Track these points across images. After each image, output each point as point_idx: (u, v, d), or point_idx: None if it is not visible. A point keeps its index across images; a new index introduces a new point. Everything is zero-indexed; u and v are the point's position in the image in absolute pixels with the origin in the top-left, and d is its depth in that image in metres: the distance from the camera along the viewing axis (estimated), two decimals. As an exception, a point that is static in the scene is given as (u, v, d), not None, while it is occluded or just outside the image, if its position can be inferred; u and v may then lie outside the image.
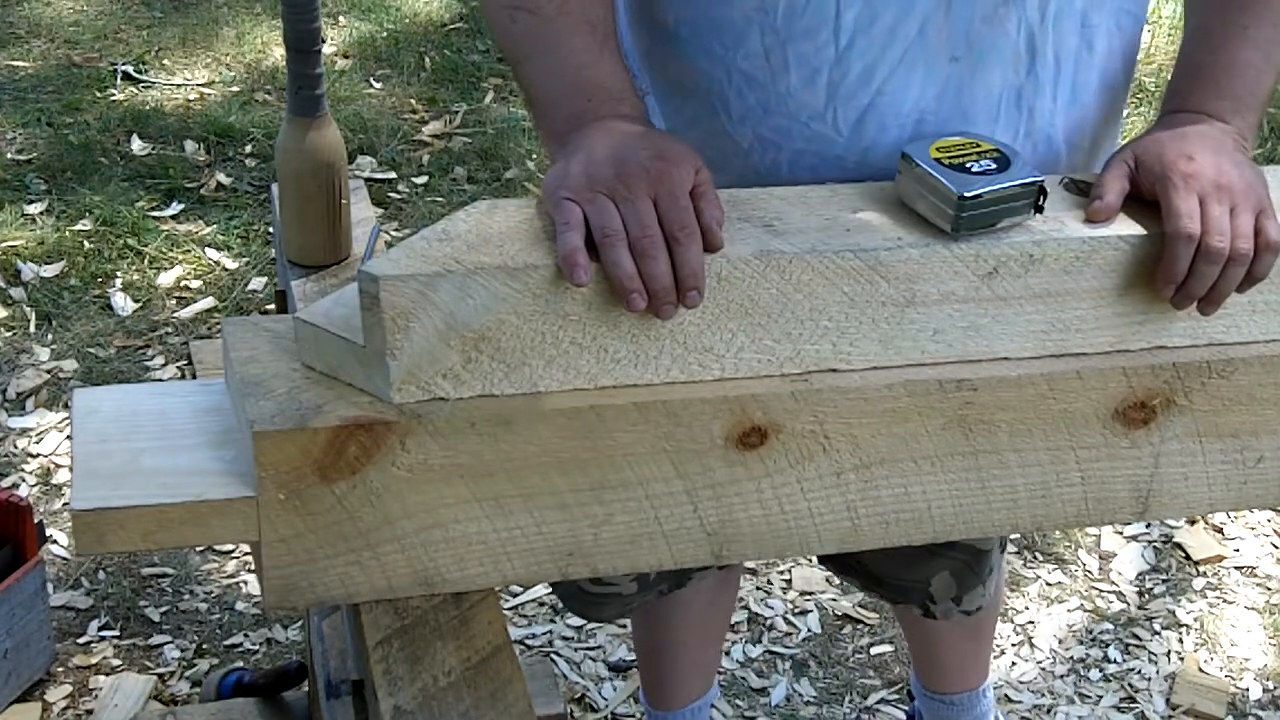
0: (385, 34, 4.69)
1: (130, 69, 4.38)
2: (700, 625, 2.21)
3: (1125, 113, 4.51)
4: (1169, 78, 1.55)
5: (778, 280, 1.31)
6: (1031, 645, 2.74)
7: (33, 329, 3.31)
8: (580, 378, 1.30)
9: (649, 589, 1.95)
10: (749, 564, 2.78)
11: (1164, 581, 2.89)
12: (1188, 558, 2.95)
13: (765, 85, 1.48)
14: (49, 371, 3.20)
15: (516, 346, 1.27)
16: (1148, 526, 2.99)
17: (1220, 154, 1.41)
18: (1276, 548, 2.99)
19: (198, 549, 2.77)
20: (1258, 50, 1.48)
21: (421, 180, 3.97)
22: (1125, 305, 1.40)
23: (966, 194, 1.33)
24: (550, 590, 2.75)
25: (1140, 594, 2.86)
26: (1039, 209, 1.38)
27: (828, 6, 1.43)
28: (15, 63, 4.41)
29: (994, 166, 1.36)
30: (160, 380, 3.14)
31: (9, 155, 3.92)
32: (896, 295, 1.35)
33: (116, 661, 2.56)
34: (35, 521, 2.43)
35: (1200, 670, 2.70)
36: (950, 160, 1.36)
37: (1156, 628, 2.79)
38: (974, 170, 1.35)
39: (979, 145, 1.39)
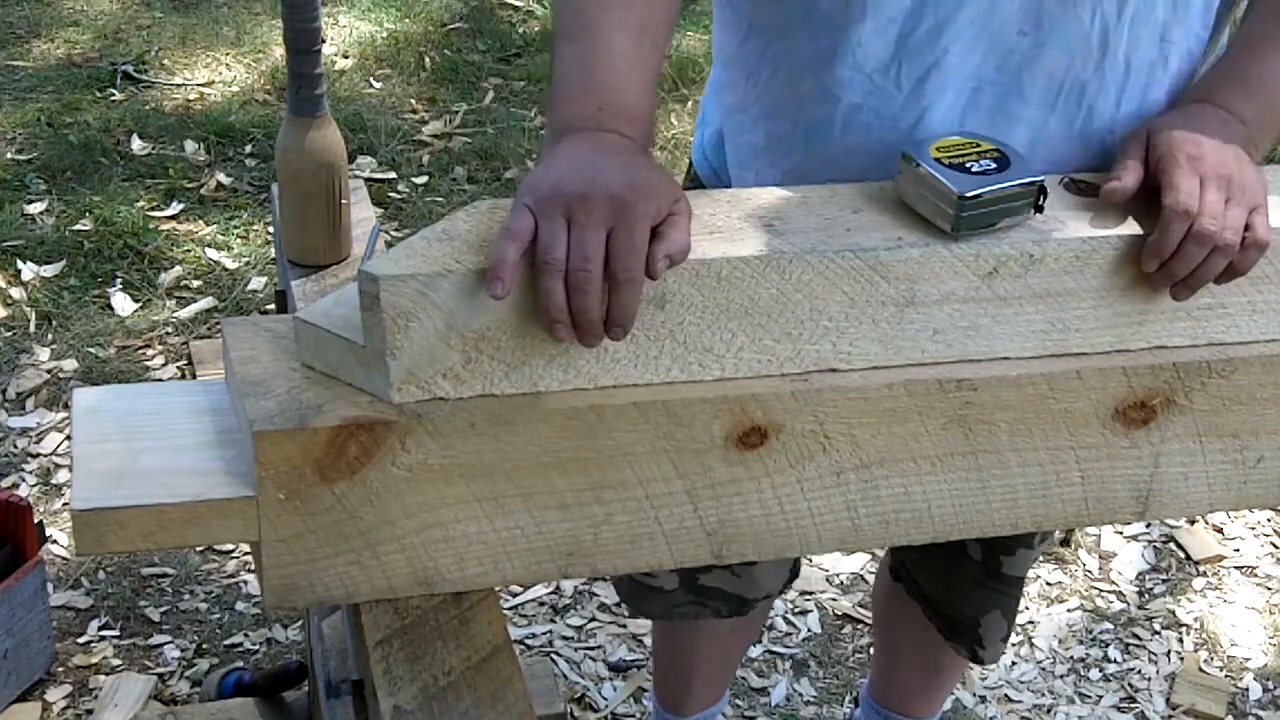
0: (385, 34, 4.69)
1: (130, 69, 4.38)
2: (721, 647, 2.21)
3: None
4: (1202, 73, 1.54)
5: (778, 280, 1.31)
6: (1031, 645, 2.74)
7: (33, 329, 3.31)
8: (580, 378, 1.30)
9: (703, 601, 1.95)
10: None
11: (1164, 581, 2.89)
12: (1188, 558, 2.95)
13: (839, 30, 1.46)
14: (49, 371, 3.19)
15: (516, 346, 1.27)
16: (1148, 526, 2.99)
17: (1227, 145, 1.41)
18: (1276, 548, 2.99)
19: (198, 549, 2.77)
20: None
21: (421, 180, 3.97)
22: (1125, 305, 1.40)
23: (966, 194, 1.33)
24: (551, 590, 2.76)
25: (1140, 594, 2.86)
26: (1039, 209, 1.38)
27: None
28: (15, 63, 4.41)
29: (994, 166, 1.36)
30: (160, 380, 3.14)
31: (9, 155, 3.92)
32: (896, 295, 1.35)
33: (116, 661, 2.56)
34: (35, 521, 2.43)
35: (1200, 670, 2.70)
36: (950, 160, 1.36)
37: (1156, 628, 2.79)
38: (974, 170, 1.35)
39: (979, 145, 1.39)
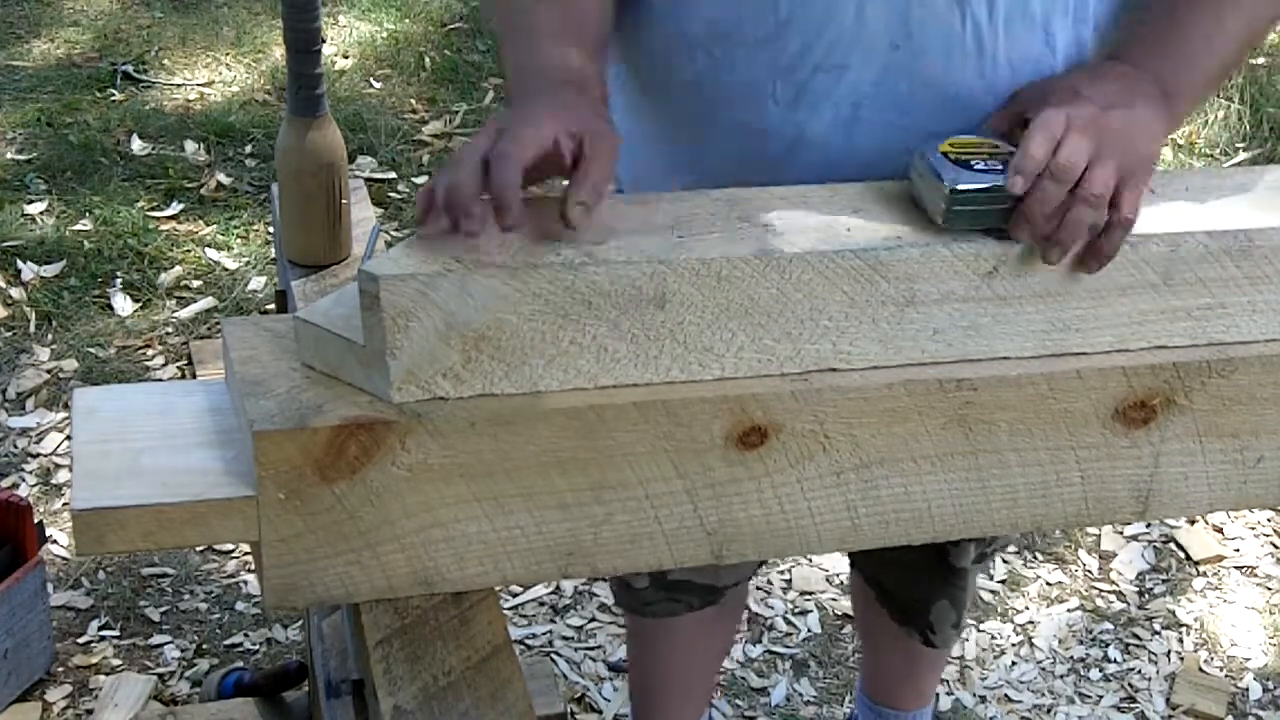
0: (385, 34, 4.69)
1: (130, 69, 4.38)
2: (697, 647, 2.18)
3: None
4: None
5: (778, 280, 1.31)
6: (1031, 645, 2.74)
7: (33, 329, 3.31)
8: (580, 377, 1.30)
9: (675, 597, 1.96)
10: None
11: (1164, 581, 2.89)
12: (1188, 558, 2.95)
13: (713, 52, 1.46)
14: (49, 371, 3.20)
15: (516, 346, 1.27)
16: (1148, 526, 3.00)
17: (1117, 102, 1.33)
18: (1276, 548, 2.99)
19: (198, 549, 2.77)
20: (1207, 11, 1.41)
21: (421, 180, 3.97)
22: (1125, 305, 1.40)
23: (957, 188, 1.33)
24: (551, 590, 2.76)
25: (1140, 594, 2.86)
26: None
27: None
28: (15, 63, 4.42)
29: (1000, 167, 1.35)
30: (160, 380, 3.14)
31: (9, 155, 3.92)
32: (896, 295, 1.35)
33: (116, 661, 2.57)
34: (35, 521, 2.43)
35: (1200, 670, 2.70)
36: (957, 156, 1.36)
37: (1156, 628, 2.79)
38: (976, 167, 1.35)
39: (996, 147, 1.38)
